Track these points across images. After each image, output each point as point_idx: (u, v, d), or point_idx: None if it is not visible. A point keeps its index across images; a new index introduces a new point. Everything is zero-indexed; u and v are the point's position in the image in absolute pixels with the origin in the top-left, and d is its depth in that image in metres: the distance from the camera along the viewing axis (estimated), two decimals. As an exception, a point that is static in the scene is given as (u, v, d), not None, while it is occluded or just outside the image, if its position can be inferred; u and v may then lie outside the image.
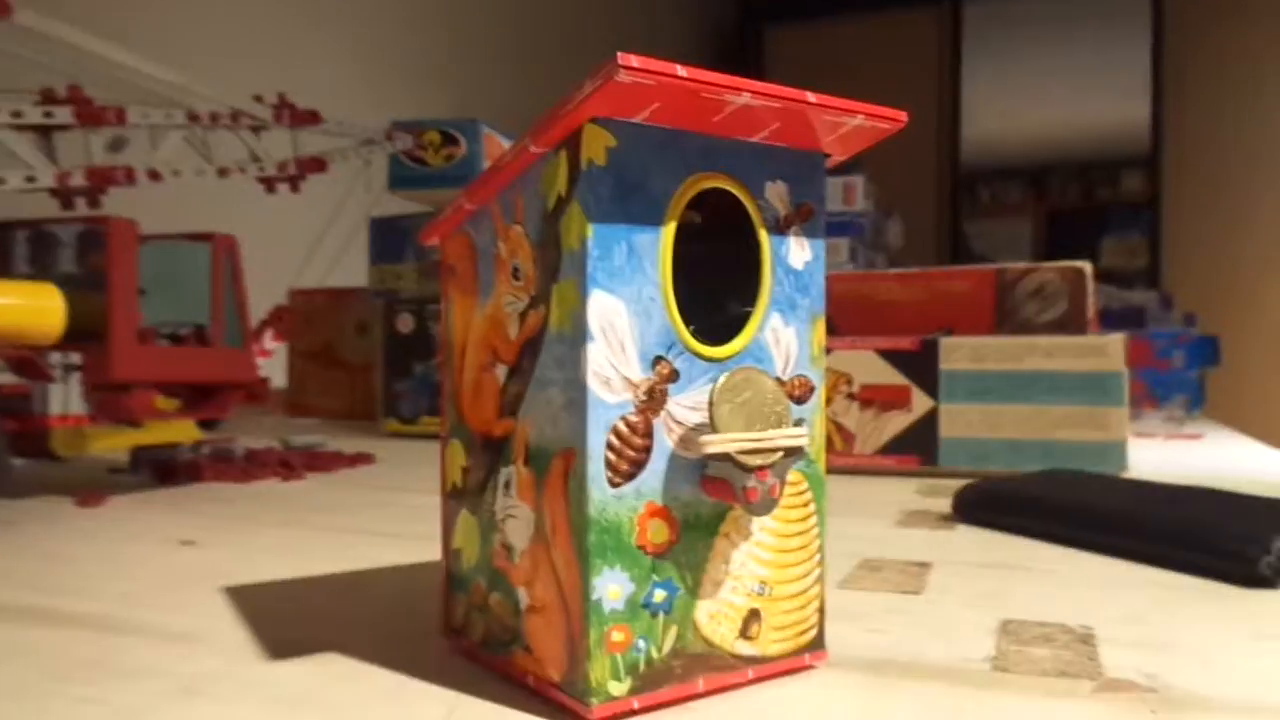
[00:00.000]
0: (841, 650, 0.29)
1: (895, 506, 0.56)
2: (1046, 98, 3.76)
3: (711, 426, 0.24)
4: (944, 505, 0.55)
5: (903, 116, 0.27)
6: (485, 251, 0.27)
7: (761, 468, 0.24)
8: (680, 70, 0.22)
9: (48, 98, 0.63)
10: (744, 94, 0.23)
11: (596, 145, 0.23)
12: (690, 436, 0.24)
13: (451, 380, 0.29)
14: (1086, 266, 0.89)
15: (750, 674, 0.26)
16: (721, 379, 0.24)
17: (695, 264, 0.25)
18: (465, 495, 0.28)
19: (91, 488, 0.60)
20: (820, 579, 0.27)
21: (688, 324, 0.25)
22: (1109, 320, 1.42)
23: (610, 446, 0.23)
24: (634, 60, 0.21)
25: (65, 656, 0.29)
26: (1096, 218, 4.23)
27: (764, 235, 0.26)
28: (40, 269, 0.57)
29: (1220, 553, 0.38)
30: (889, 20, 3.46)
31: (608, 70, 0.21)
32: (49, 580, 0.39)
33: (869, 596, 0.36)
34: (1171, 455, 0.82)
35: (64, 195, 0.64)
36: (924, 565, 0.41)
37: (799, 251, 0.27)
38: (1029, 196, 4.37)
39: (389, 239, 1.09)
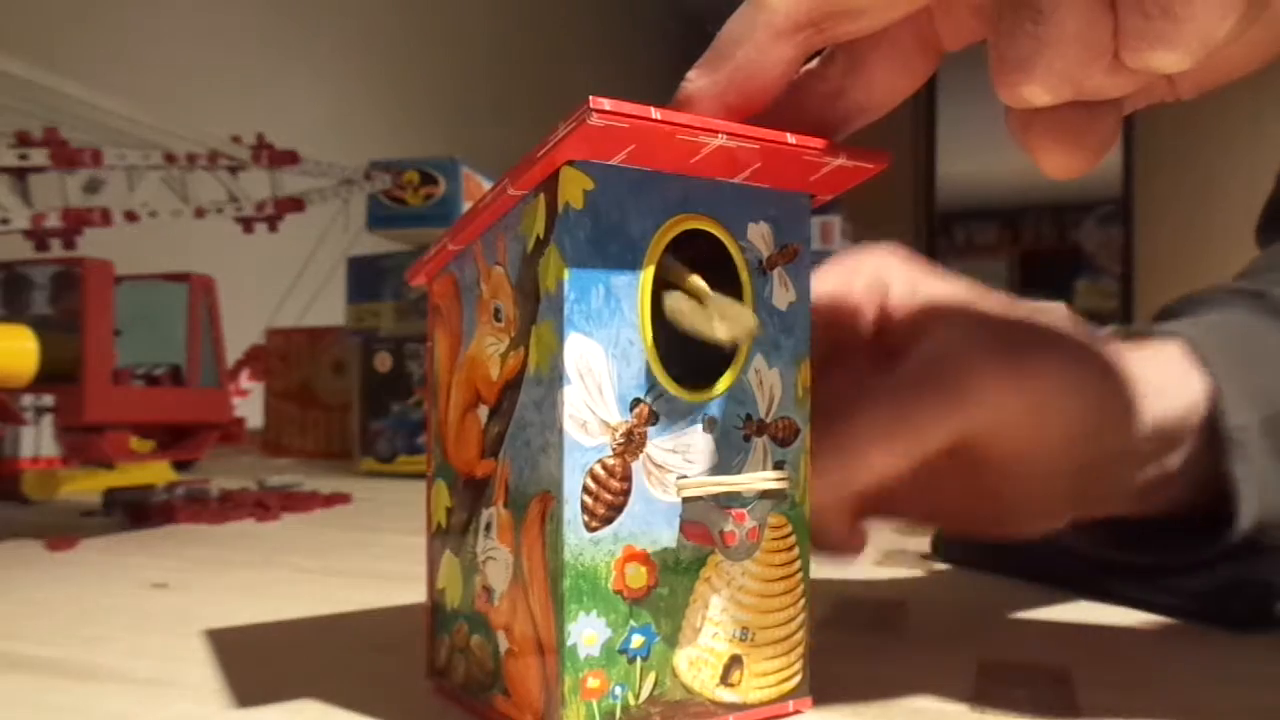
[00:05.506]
0: (820, 692, 0.29)
1: (874, 546, 0.56)
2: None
3: (690, 469, 0.24)
4: (923, 544, 0.54)
5: (885, 158, 0.26)
6: (469, 292, 0.27)
7: (740, 512, 0.24)
8: (654, 112, 0.22)
9: (23, 140, 0.63)
10: (720, 135, 0.23)
11: (573, 188, 0.23)
12: (668, 480, 0.24)
13: (436, 420, 0.29)
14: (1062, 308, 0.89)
15: (731, 720, 0.26)
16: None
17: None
18: (449, 536, 0.28)
19: (63, 531, 0.59)
20: (805, 624, 0.27)
21: (669, 367, 0.24)
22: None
23: (587, 490, 0.23)
24: (606, 103, 0.21)
25: (33, 704, 0.28)
26: (1070, 259, 4.28)
27: (746, 277, 0.26)
28: (13, 311, 0.57)
29: (1195, 597, 0.38)
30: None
31: (580, 114, 0.21)
32: (17, 625, 0.38)
33: (847, 637, 0.36)
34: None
35: (39, 237, 0.64)
36: (903, 605, 0.41)
37: (783, 292, 0.27)
38: (1004, 237, 4.42)
39: (366, 278, 1.09)
